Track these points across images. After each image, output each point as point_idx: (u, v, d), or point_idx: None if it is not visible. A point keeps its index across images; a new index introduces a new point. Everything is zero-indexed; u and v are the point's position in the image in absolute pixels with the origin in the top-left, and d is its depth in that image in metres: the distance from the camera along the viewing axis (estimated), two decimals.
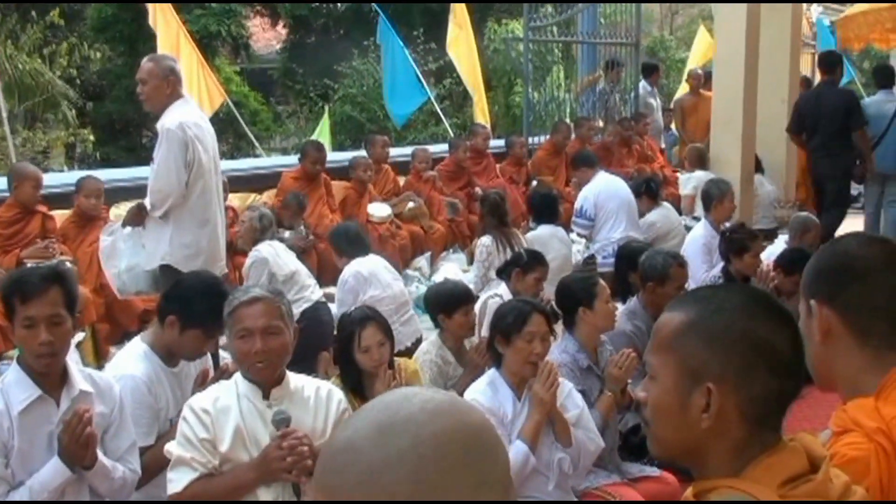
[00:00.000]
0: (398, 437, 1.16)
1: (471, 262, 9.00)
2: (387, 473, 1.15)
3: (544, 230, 8.10)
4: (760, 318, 1.72)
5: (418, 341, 6.49)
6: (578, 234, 9.23)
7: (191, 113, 6.00)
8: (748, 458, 1.68)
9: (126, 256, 6.07)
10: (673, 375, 1.74)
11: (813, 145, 10.72)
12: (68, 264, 7.04)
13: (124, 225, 6.12)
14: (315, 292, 6.84)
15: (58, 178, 9.22)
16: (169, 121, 5.82)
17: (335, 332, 4.84)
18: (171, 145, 5.76)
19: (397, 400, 1.22)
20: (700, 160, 11.31)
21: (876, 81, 11.71)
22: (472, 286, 6.40)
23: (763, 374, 1.69)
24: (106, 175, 8.57)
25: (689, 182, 10.83)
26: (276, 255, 6.82)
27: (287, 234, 8.27)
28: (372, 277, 6.77)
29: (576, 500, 4.45)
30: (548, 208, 8.36)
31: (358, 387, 4.48)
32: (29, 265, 6.82)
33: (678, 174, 11.79)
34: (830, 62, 11.27)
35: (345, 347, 4.54)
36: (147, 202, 5.92)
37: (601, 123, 13.26)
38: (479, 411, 1.25)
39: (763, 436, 1.70)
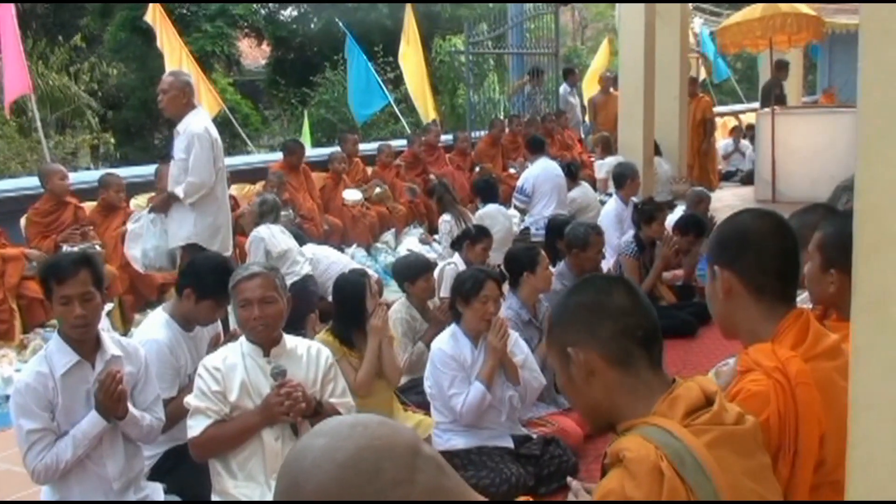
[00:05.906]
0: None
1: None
2: None
3: (490, 208, 8.11)
4: (585, 291, 1.80)
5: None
6: (516, 208, 9.22)
7: (207, 119, 5.94)
8: (650, 401, 1.69)
9: (152, 238, 5.93)
10: (556, 361, 1.81)
11: None
12: (97, 247, 6.91)
13: (151, 211, 5.99)
14: (304, 268, 6.75)
15: (86, 176, 9.10)
16: (195, 126, 5.73)
17: (341, 294, 4.67)
18: (203, 146, 5.70)
19: (291, 460, 1.15)
20: (607, 145, 11.32)
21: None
22: (440, 256, 6.43)
23: (603, 321, 1.73)
24: (125, 172, 8.42)
25: (603, 167, 10.84)
26: (271, 235, 6.72)
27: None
28: (320, 256, 7.11)
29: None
30: (490, 190, 8.40)
31: (348, 339, 4.45)
32: (64, 248, 6.68)
33: (593, 159, 11.79)
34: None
35: (355, 297, 4.50)
36: (179, 191, 5.78)
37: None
38: (354, 442, 1.12)
39: (640, 373, 1.72)
